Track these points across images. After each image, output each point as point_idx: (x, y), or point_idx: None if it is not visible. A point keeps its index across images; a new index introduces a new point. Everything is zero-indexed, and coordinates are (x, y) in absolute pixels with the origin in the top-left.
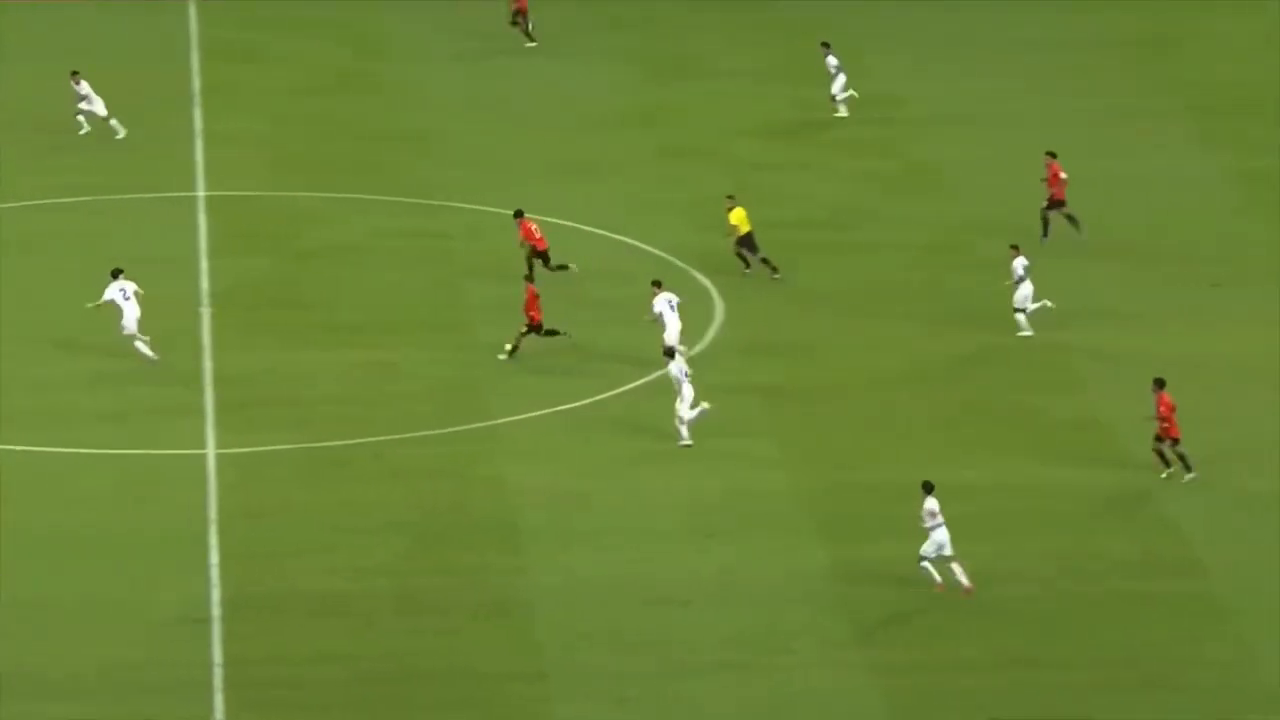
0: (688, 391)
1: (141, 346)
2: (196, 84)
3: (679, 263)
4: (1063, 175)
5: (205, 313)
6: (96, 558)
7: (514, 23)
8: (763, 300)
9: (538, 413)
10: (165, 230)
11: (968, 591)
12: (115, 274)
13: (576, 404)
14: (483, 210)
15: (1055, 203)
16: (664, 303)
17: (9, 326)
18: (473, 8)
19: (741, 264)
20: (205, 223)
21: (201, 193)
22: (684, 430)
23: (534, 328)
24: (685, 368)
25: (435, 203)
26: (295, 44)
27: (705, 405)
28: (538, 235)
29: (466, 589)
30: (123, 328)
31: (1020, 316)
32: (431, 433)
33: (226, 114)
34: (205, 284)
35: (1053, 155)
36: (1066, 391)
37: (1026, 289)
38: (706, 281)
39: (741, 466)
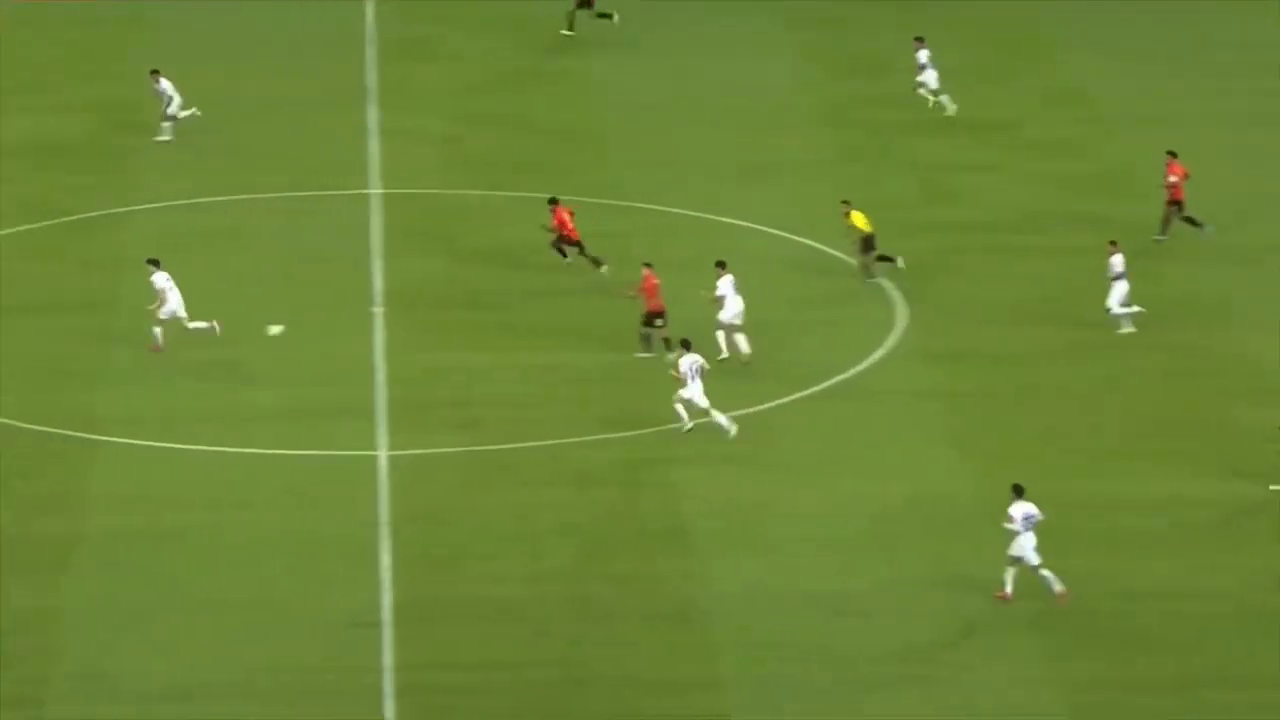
0: (695, 387)
1: (197, 325)
2: (372, 80)
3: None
4: (1172, 178)
5: (377, 313)
6: (268, 560)
7: (582, 4)
8: (947, 305)
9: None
10: (338, 229)
11: (1061, 598)
12: (153, 263)
13: (753, 409)
14: (663, 211)
15: (1174, 203)
16: (729, 284)
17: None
18: (654, 6)
19: (865, 273)
20: (379, 221)
21: (375, 191)
22: (682, 410)
23: (653, 315)
24: (700, 362)
25: (614, 203)
26: (472, 41)
27: (724, 421)
28: (570, 225)
29: (640, 596)
30: (171, 314)
31: (1120, 313)
32: (604, 436)
33: (402, 111)
34: (378, 283)
35: (1173, 155)
36: (1261, 403)
37: (1123, 288)
38: (889, 285)
39: (923, 475)
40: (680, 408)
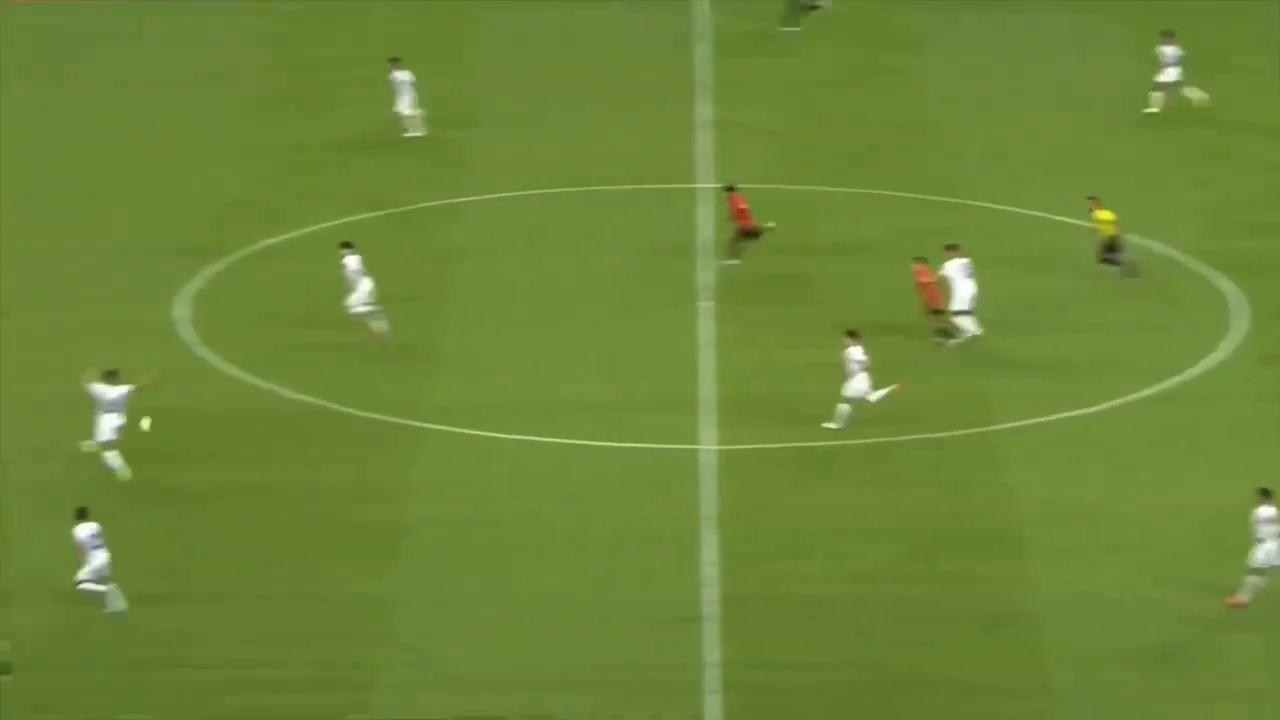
0: (860, 380)
1: (366, 309)
2: (704, 75)
3: (1198, 266)
4: None
5: (705, 307)
6: (590, 552)
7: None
8: None
9: (1043, 419)
10: (667, 222)
11: (1236, 604)
12: (346, 246)
13: (1084, 411)
14: (1000, 209)
15: None
16: (958, 268)
17: (512, 317)
18: (991, 3)
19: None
20: (707, 215)
21: (703, 185)
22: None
23: (935, 311)
24: (861, 356)
25: (948, 199)
26: (806, 36)
27: (881, 392)
28: (745, 212)
29: (964, 599)
30: (359, 300)
31: None
32: (930, 436)
33: (733, 105)
34: (705, 278)
35: None
36: None
37: None
38: (1229, 287)
39: (1262, 480)
40: (845, 406)
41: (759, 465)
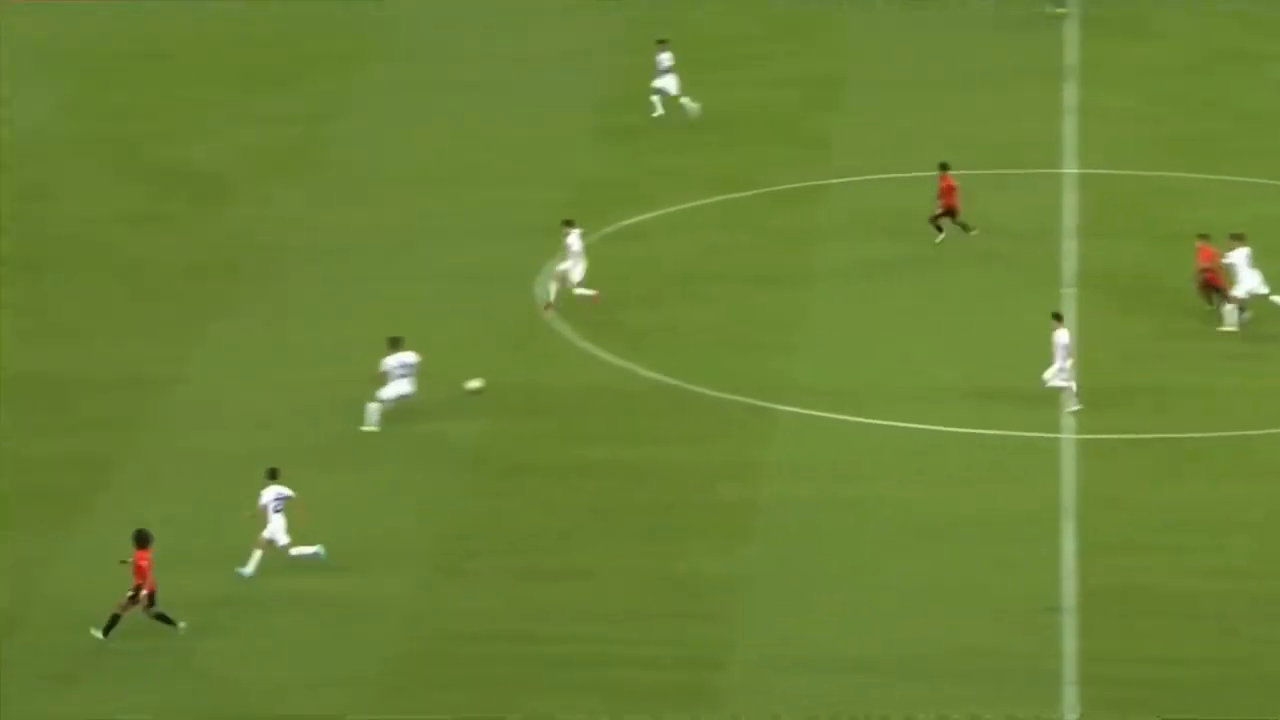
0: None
1: (584, 292)
2: (1072, 58)
3: None
4: None
5: (1068, 293)
6: (947, 538)
7: None
8: None
9: None
10: (1031, 207)
11: None
12: (568, 224)
13: None
14: None
15: None
16: (1242, 256)
17: (873, 301)
18: None
19: None
20: (1073, 201)
21: (1070, 170)
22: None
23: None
24: (1066, 340)
25: None
26: (1178, 19)
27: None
28: (953, 190)
29: None
30: (577, 282)
31: None
32: None
33: (1103, 90)
34: (1069, 264)
35: None
36: None
37: None
38: None
39: None
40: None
41: (1120, 455)
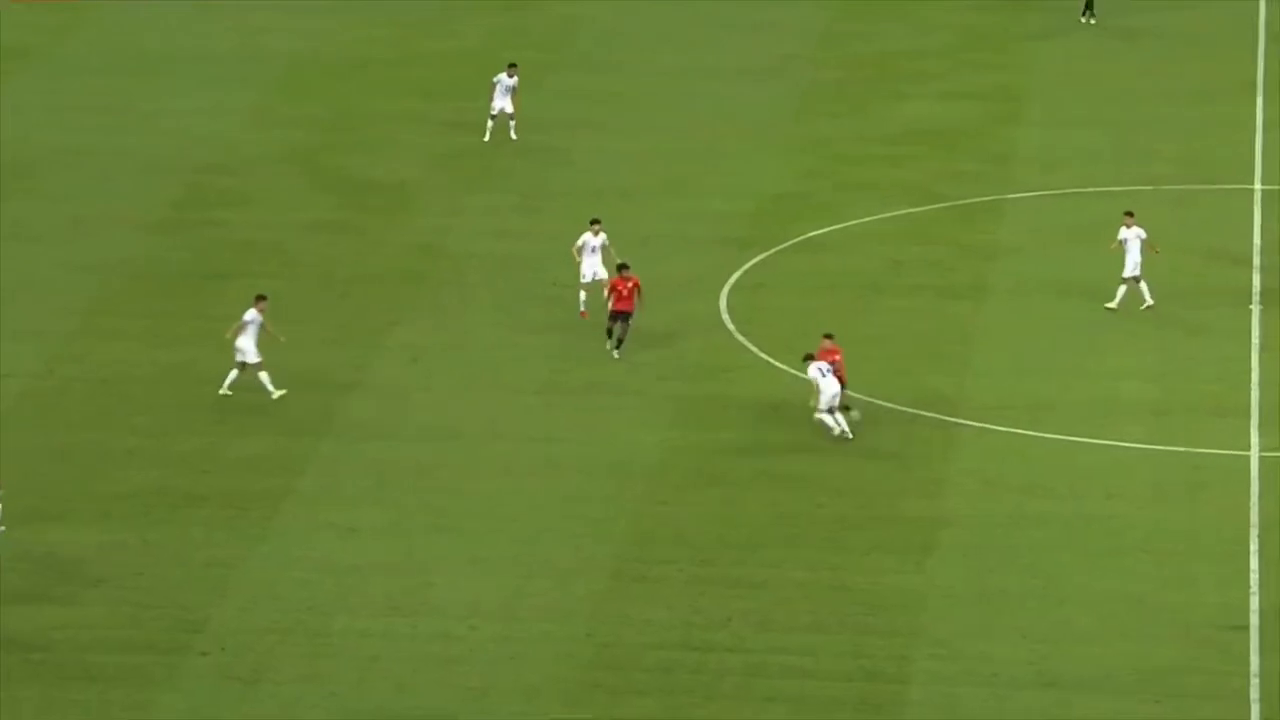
0: (826, 387)
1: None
2: (1262, 74)
3: None
4: None
5: (1255, 310)
6: (1132, 554)
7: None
8: None
9: None
10: (1221, 223)
11: None
12: (594, 222)
13: None
14: None
15: None
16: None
17: (1058, 315)
18: None
19: None
20: (1262, 217)
21: (1260, 186)
22: (828, 420)
23: None
24: (824, 367)
25: None
26: None
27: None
28: None
29: None
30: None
31: None
32: None
33: None
34: (1257, 280)
35: None
36: None
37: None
38: None
39: None
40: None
41: None
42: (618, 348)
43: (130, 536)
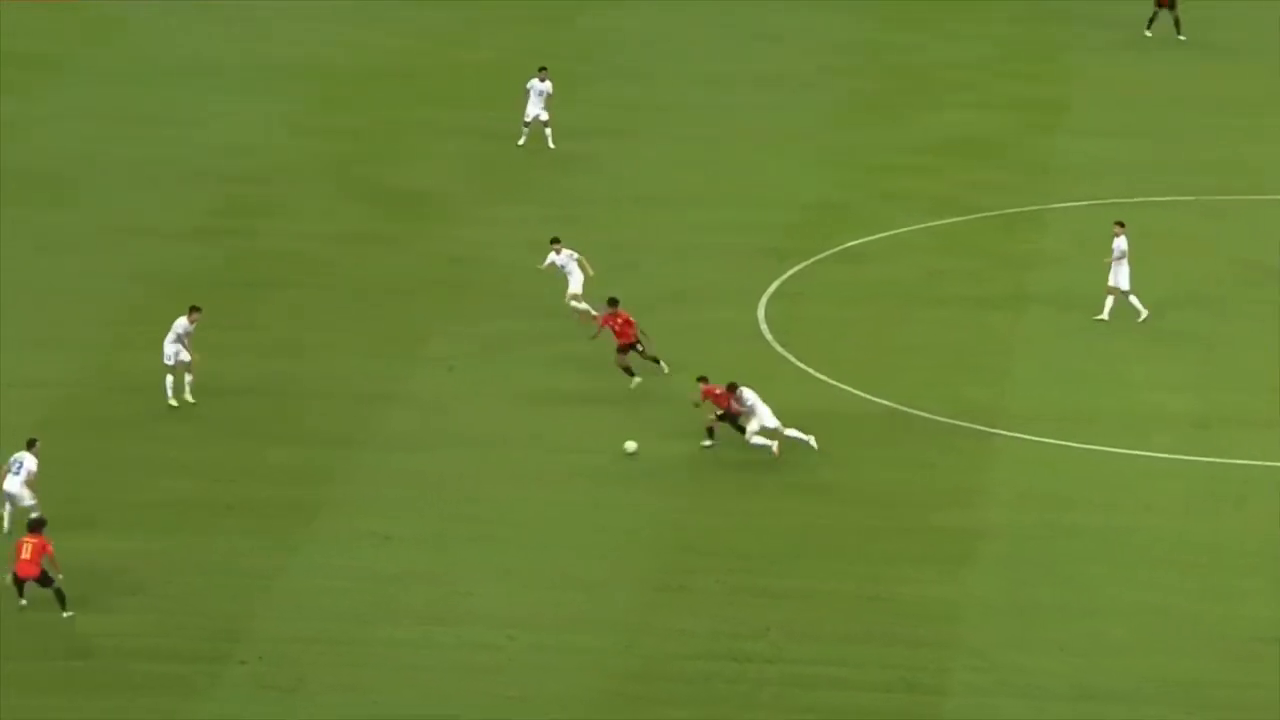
0: (762, 411)
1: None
2: None
3: None
4: None
5: None
6: (1167, 566)
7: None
8: None
9: None
10: (1260, 233)
11: None
12: (555, 241)
13: None
14: None
15: None
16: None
17: (1095, 325)
18: None
19: None
20: None
21: None
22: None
23: None
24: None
25: None
26: None
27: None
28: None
29: None
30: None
31: None
32: None
33: None
34: None
35: None
36: None
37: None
38: None
39: None
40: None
41: None
42: (656, 363)
43: (169, 545)
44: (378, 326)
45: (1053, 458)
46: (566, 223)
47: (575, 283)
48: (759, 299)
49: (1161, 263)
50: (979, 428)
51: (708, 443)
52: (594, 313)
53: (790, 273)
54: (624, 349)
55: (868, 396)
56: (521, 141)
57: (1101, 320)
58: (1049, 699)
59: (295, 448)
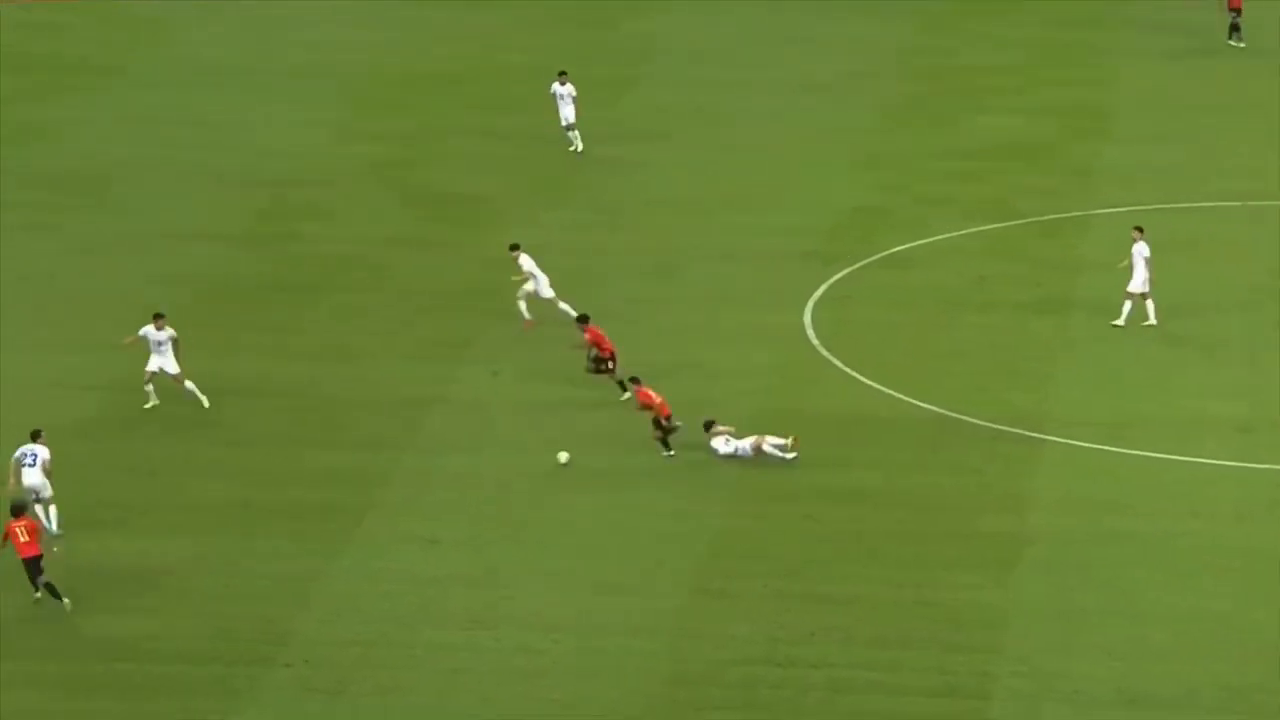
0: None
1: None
2: None
3: None
4: None
5: None
6: (1213, 573)
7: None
8: None
9: None
10: None
11: None
12: (514, 248)
13: None
14: None
15: None
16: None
17: (1141, 331)
18: None
19: None
20: None
21: None
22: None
23: None
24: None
25: None
26: None
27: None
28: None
29: None
30: (534, 294)
31: None
32: None
33: None
34: None
35: None
36: None
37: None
38: None
39: None
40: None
41: None
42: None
43: (213, 548)
44: (423, 331)
45: (1098, 463)
46: (612, 229)
47: (543, 285)
48: (804, 303)
49: (1205, 268)
50: (1024, 433)
51: (667, 453)
52: (529, 317)
53: (835, 277)
54: (599, 361)
55: (913, 401)
56: (578, 148)
57: (1150, 325)
58: (1093, 705)
59: (340, 451)
